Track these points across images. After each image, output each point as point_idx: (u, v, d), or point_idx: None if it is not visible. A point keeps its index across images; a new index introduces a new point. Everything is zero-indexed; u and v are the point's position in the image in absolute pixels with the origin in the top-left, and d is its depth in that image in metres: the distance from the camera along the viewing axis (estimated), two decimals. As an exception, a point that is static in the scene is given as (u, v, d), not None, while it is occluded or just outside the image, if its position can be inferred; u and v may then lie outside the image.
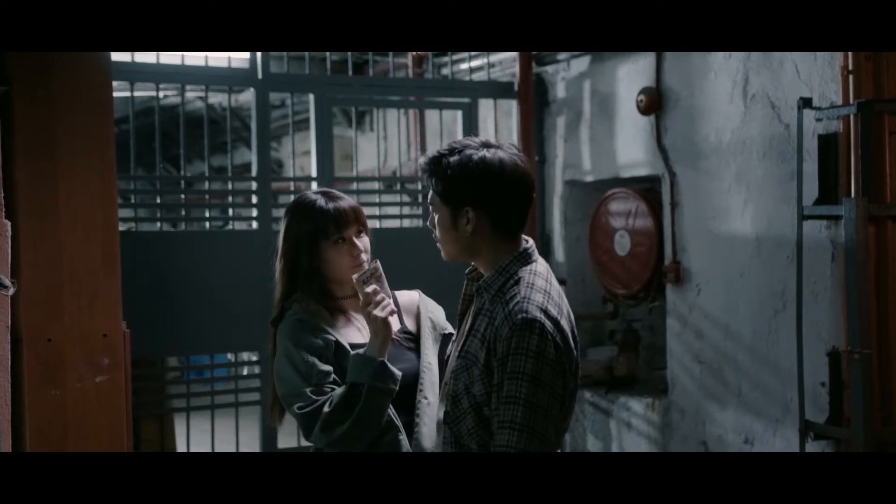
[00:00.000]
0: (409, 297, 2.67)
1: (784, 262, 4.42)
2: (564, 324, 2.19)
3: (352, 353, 2.45)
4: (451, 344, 2.48)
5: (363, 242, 2.56)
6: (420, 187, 5.99)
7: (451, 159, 2.22)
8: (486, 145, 2.24)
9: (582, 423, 5.74)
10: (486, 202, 2.22)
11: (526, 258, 2.26)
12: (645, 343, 5.80)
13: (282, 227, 2.60)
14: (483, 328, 2.22)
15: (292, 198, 5.83)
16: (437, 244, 2.33)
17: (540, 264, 2.28)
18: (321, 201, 2.54)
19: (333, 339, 2.48)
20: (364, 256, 2.55)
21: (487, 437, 2.19)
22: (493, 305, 2.22)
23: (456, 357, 2.31)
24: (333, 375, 2.44)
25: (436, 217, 2.29)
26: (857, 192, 3.89)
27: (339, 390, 2.40)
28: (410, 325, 2.61)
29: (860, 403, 3.82)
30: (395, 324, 2.53)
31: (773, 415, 4.50)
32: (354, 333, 2.56)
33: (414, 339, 2.59)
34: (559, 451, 2.33)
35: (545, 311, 2.15)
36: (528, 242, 2.31)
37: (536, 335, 2.11)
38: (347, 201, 2.57)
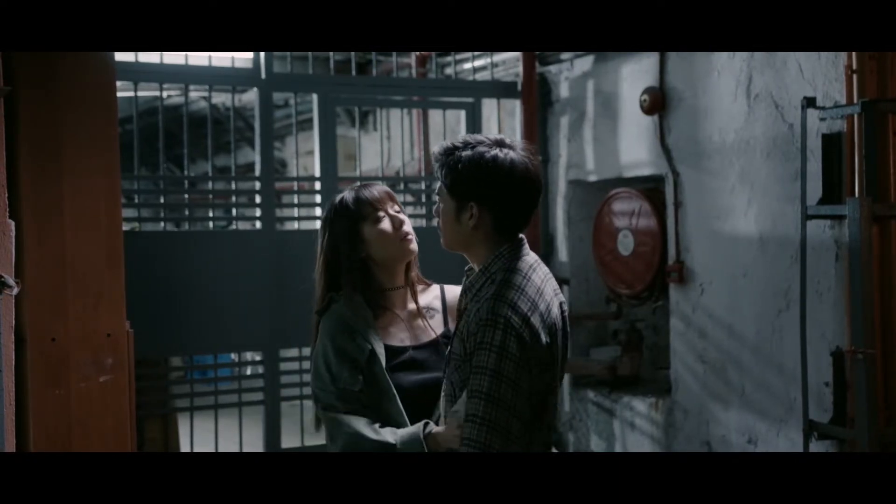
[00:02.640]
0: (455, 293, 2.59)
1: (788, 261, 4.42)
2: (536, 319, 2.19)
3: (416, 433, 2.36)
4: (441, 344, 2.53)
5: (404, 216, 2.59)
6: (423, 187, 5.99)
7: (464, 154, 2.25)
8: (500, 144, 2.27)
9: (585, 423, 5.74)
10: (492, 201, 2.25)
11: (510, 256, 2.27)
12: (648, 343, 5.80)
13: (320, 234, 2.62)
14: (462, 328, 2.26)
15: (296, 198, 5.85)
16: (439, 231, 2.36)
17: (523, 261, 2.28)
18: (348, 194, 2.59)
19: (369, 347, 2.47)
20: (408, 228, 2.56)
21: None
22: (472, 305, 2.26)
23: (448, 357, 2.34)
24: (361, 385, 2.45)
25: (441, 206, 2.33)
26: (861, 192, 3.89)
27: (372, 435, 2.38)
28: (453, 323, 2.56)
29: (864, 403, 3.81)
30: (438, 326, 2.56)
31: (777, 415, 4.50)
32: (396, 334, 2.53)
33: None
34: (552, 447, 2.35)
35: (513, 307, 2.17)
36: (519, 239, 2.32)
37: (500, 330, 2.13)
38: (377, 186, 2.62)
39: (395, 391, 2.44)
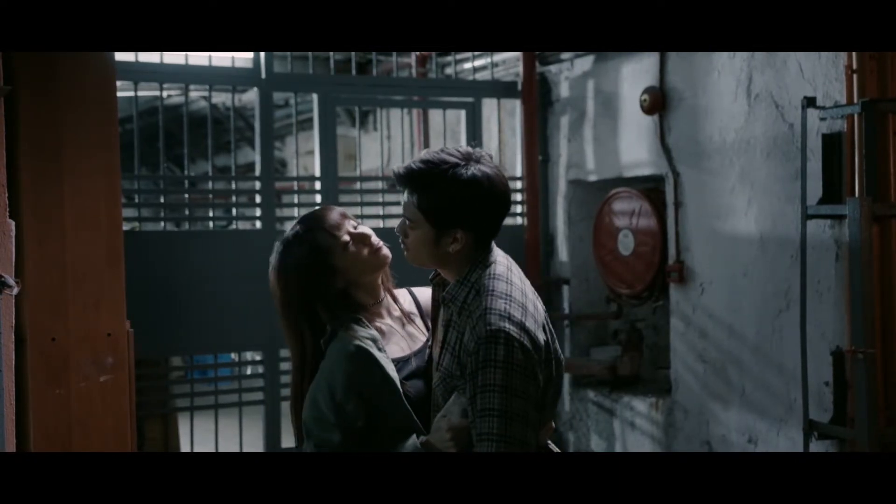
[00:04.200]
0: (425, 295, 2.52)
1: (788, 261, 4.42)
2: (530, 323, 2.16)
3: (413, 444, 2.26)
4: (428, 349, 2.42)
5: (364, 228, 2.44)
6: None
7: (440, 178, 2.14)
8: (468, 159, 2.18)
9: (586, 423, 5.74)
10: (475, 223, 2.19)
11: (485, 261, 2.22)
12: (648, 343, 5.80)
13: (278, 283, 2.40)
14: (453, 342, 2.20)
15: (296, 198, 5.84)
16: (404, 247, 2.27)
17: (498, 264, 2.24)
18: (299, 228, 2.41)
19: (391, 378, 2.31)
20: (374, 238, 2.41)
21: (469, 445, 2.17)
22: (460, 318, 2.19)
23: (435, 369, 2.29)
24: (362, 420, 2.29)
25: (411, 228, 2.23)
26: (861, 192, 3.89)
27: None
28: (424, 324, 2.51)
29: (864, 403, 3.81)
30: (423, 329, 2.46)
31: (777, 414, 4.50)
32: (396, 343, 2.41)
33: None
34: (555, 440, 2.34)
35: (509, 318, 2.12)
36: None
37: (502, 345, 2.09)
38: (327, 213, 2.43)
39: (410, 410, 2.31)
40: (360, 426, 2.27)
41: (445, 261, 2.23)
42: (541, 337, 2.17)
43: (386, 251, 2.42)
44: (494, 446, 2.07)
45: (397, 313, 2.48)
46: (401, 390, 2.30)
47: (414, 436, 2.27)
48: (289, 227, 2.50)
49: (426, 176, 2.16)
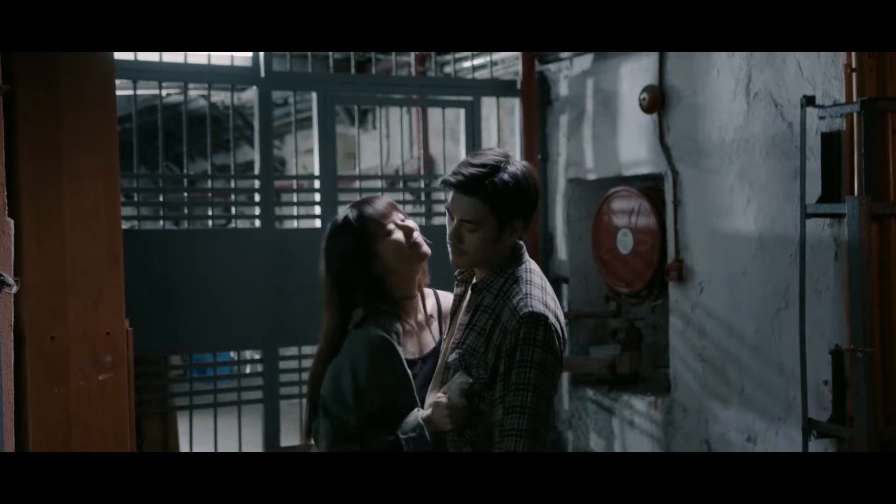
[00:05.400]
0: (448, 300, 2.62)
1: (787, 260, 4.42)
2: (560, 316, 2.37)
3: (420, 423, 2.39)
4: (443, 342, 2.53)
5: (411, 223, 2.57)
6: (423, 185, 5.99)
7: (501, 179, 2.33)
8: (506, 156, 2.39)
9: (585, 422, 5.74)
10: (528, 214, 2.40)
11: (518, 258, 2.42)
12: (648, 341, 5.80)
13: (326, 257, 2.55)
14: (484, 323, 2.35)
15: (295, 196, 5.84)
16: (457, 252, 2.40)
17: (532, 263, 2.45)
18: (351, 213, 2.54)
19: (409, 374, 2.45)
20: (418, 234, 2.54)
21: (478, 427, 2.32)
22: (495, 303, 2.36)
23: (451, 350, 2.41)
24: (381, 405, 2.42)
25: (471, 230, 2.36)
26: (860, 191, 3.89)
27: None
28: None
29: (863, 402, 3.81)
30: (436, 334, 2.57)
31: (776, 413, 4.50)
32: (407, 346, 2.51)
33: None
34: (554, 439, 2.44)
35: (546, 305, 2.32)
36: (519, 242, 2.46)
37: (542, 327, 2.28)
38: (379, 200, 2.57)
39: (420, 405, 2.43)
40: (375, 411, 2.41)
41: (499, 255, 2.41)
42: (563, 333, 2.37)
43: (426, 248, 2.55)
44: (526, 419, 2.23)
45: (421, 316, 2.59)
46: (414, 387, 2.44)
47: (417, 409, 2.40)
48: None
49: (488, 177, 2.33)
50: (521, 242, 2.45)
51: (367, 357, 2.42)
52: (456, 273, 2.54)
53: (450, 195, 2.38)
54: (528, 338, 2.27)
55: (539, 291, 2.35)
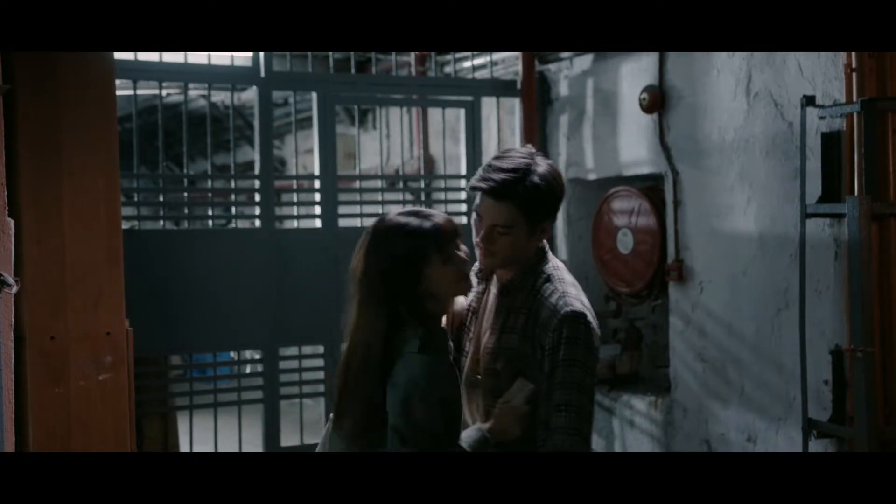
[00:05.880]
0: (460, 305, 2.57)
1: (787, 260, 4.42)
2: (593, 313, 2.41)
3: (479, 430, 2.36)
4: (466, 339, 2.52)
5: (465, 252, 2.43)
6: (423, 185, 5.99)
7: (532, 182, 2.34)
8: (533, 156, 2.40)
9: (585, 422, 5.74)
10: (556, 213, 2.46)
11: (544, 255, 2.45)
12: (648, 341, 5.80)
13: (365, 255, 2.38)
14: (521, 324, 2.36)
15: (295, 196, 5.82)
16: (488, 254, 2.40)
17: (556, 260, 2.48)
18: (415, 223, 2.36)
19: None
20: (468, 270, 2.43)
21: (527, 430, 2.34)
22: (529, 303, 2.37)
23: (489, 353, 2.40)
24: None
25: (503, 233, 2.36)
26: (861, 191, 3.89)
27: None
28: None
29: (863, 402, 3.81)
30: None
31: (776, 413, 4.50)
32: None
33: None
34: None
35: (583, 304, 2.37)
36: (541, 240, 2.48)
37: (583, 325, 2.32)
38: (441, 216, 2.40)
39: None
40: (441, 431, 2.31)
41: (528, 254, 2.43)
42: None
43: (472, 285, 2.49)
44: (576, 418, 2.26)
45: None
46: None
47: (478, 424, 2.38)
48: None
49: (520, 182, 2.34)
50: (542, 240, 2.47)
51: (447, 385, 2.32)
52: (476, 270, 2.52)
53: (478, 199, 2.37)
54: (571, 336, 2.29)
55: (573, 289, 2.38)
